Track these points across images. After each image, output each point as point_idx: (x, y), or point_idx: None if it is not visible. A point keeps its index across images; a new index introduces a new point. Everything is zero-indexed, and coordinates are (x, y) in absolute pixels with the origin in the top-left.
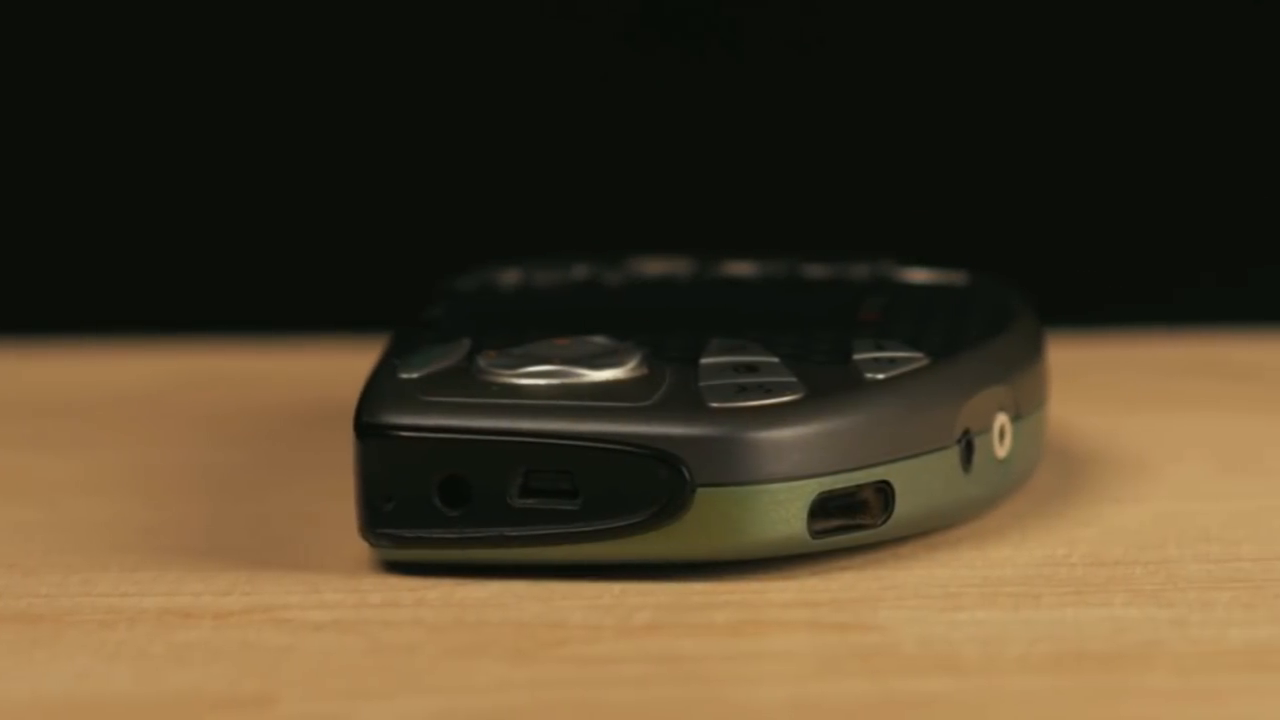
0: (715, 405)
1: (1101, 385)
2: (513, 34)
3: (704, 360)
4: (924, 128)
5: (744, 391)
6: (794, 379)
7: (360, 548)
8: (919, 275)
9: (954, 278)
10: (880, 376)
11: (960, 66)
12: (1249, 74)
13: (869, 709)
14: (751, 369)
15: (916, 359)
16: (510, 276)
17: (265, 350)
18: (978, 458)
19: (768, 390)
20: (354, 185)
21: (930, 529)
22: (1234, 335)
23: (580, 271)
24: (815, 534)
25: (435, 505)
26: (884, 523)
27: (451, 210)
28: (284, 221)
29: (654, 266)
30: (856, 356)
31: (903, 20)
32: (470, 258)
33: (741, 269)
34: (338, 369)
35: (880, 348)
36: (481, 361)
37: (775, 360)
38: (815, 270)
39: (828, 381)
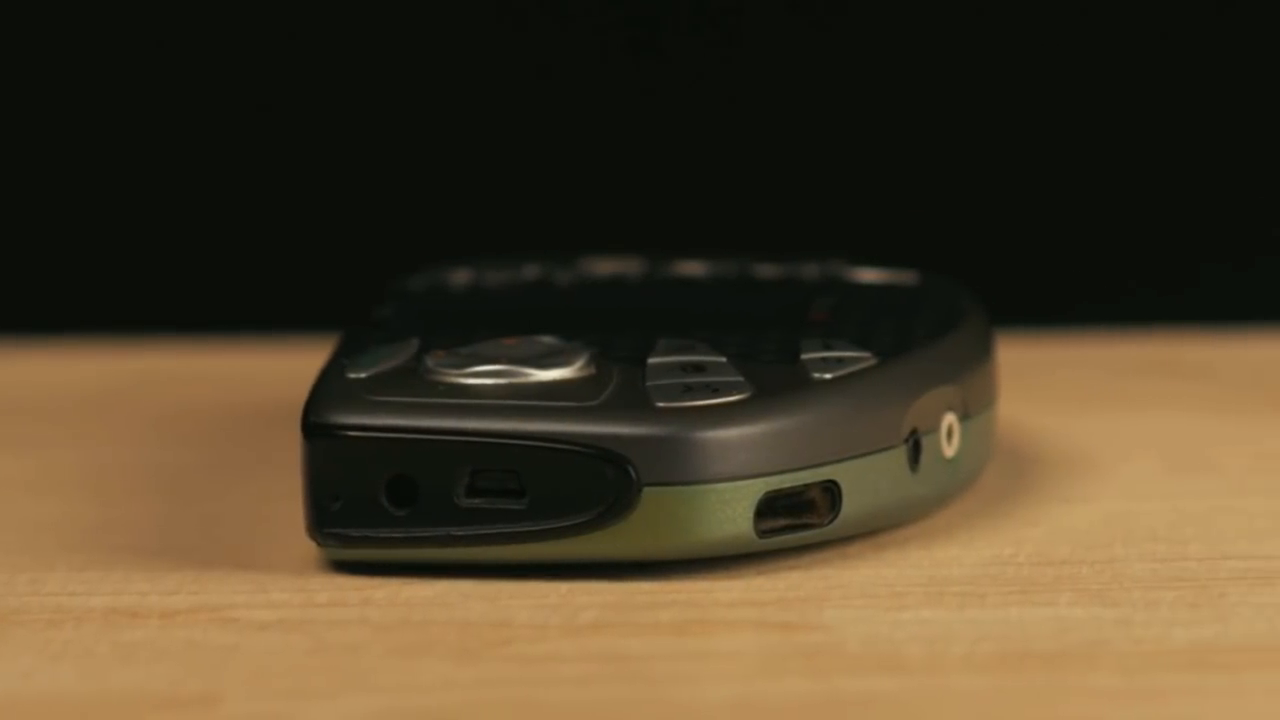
0: (662, 405)
1: (1052, 385)
2: (462, 36)
3: (651, 360)
4: (875, 128)
5: (690, 391)
6: (741, 379)
7: (308, 547)
8: (869, 275)
9: (904, 278)
10: (827, 376)
11: (911, 68)
12: (1197, 75)
13: (812, 709)
14: (699, 369)
15: (864, 359)
16: (461, 276)
17: (218, 350)
18: (925, 457)
19: (714, 390)
20: (306, 185)
21: (878, 528)
22: (1186, 335)
23: (531, 271)
24: (762, 533)
25: (382, 505)
26: (831, 522)
27: (403, 210)
28: (236, 222)
29: (605, 266)
30: (804, 356)
31: (853, 20)
32: (422, 258)
33: (692, 269)
34: (291, 368)
35: (828, 347)
36: (429, 361)
37: (723, 360)
38: (766, 270)
39: (775, 381)
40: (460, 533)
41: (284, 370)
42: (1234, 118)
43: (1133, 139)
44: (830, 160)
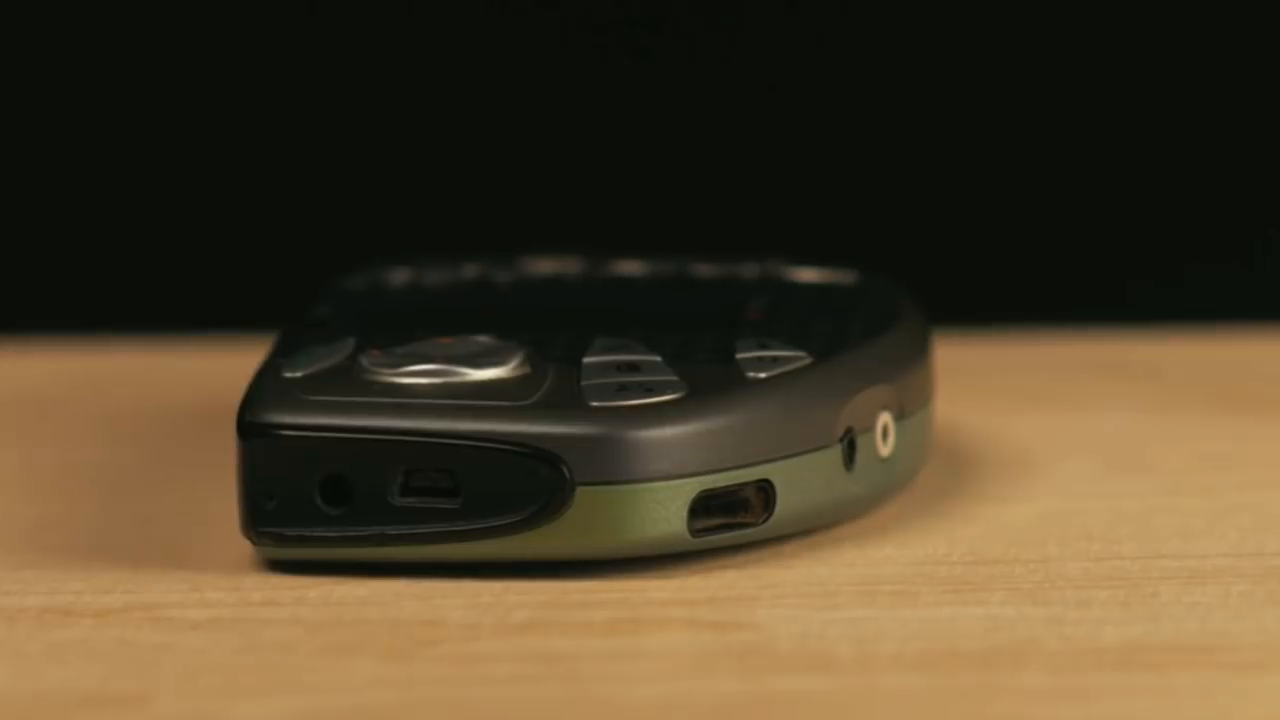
0: (596, 404)
1: (993, 385)
2: (397, 36)
3: (586, 359)
4: (813, 126)
5: (625, 390)
6: (675, 378)
7: (243, 546)
8: (807, 275)
9: (841, 277)
10: (762, 375)
11: (847, 67)
12: (1137, 74)
13: (742, 708)
14: (633, 368)
15: (799, 358)
16: (400, 276)
17: (154, 350)
18: (860, 457)
19: (649, 389)
20: (244, 184)
21: (812, 528)
22: (1127, 335)
23: (470, 271)
24: (696, 533)
25: (317, 504)
26: (765, 521)
27: (342, 210)
28: (172, 222)
29: (544, 266)
30: (739, 355)
31: (788, 21)
32: (362, 257)
33: (631, 268)
34: (228, 368)
35: (763, 347)
36: (365, 360)
37: (657, 359)
38: (704, 270)
39: (709, 380)
40: (395, 532)
41: (220, 370)
42: (1175, 117)
43: (1070, 139)
44: (769, 160)
